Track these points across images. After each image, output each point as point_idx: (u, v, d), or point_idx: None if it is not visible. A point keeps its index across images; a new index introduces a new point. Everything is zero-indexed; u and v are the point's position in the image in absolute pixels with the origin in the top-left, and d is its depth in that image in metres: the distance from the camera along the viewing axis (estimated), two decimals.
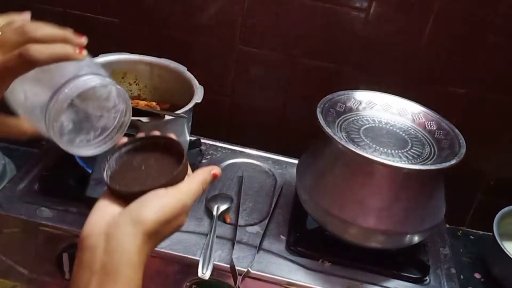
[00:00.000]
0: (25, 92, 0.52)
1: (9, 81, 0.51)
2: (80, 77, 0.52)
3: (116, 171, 0.58)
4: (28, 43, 0.49)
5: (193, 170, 0.58)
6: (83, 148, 0.57)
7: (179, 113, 0.81)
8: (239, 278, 0.78)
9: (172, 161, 0.58)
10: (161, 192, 0.53)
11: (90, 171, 0.83)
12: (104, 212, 0.53)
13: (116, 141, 0.58)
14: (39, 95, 0.53)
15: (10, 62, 0.49)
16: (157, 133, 0.62)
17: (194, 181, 0.56)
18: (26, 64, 0.49)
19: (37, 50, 0.48)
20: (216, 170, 0.58)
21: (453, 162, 0.75)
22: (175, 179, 0.54)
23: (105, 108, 0.57)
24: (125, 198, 0.54)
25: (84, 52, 0.51)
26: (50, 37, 0.50)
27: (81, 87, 0.52)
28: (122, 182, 0.56)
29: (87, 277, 0.49)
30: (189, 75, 0.93)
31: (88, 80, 0.53)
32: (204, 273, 0.76)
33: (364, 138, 0.81)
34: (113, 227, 0.50)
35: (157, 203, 0.52)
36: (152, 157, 0.59)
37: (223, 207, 0.89)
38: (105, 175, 0.56)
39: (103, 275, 0.48)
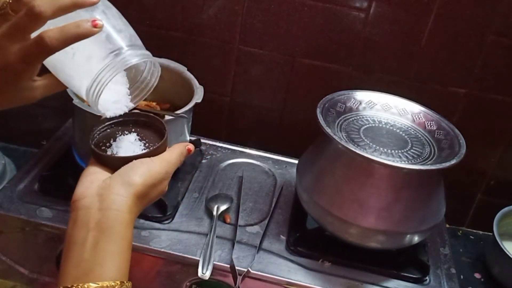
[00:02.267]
0: (73, 48, 0.52)
1: (38, 64, 0.53)
2: (135, 49, 0.56)
3: (101, 142, 0.62)
4: (41, 26, 0.49)
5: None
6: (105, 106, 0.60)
7: (179, 113, 0.81)
8: (239, 278, 0.78)
9: (153, 136, 0.64)
10: (146, 160, 0.58)
11: None
12: (94, 177, 0.57)
13: (137, 103, 0.63)
14: (92, 54, 0.54)
15: (30, 50, 0.50)
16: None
17: (174, 152, 0.62)
18: (45, 52, 0.50)
19: (52, 38, 0.49)
20: (190, 146, 0.65)
21: (453, 162, 0.75)
22: (158, 150, 0.60)
23: (135, 71, 0.61)
24: (111, 164, 0.59)
25: (99, 22, 0.51)
26: (62, 11, 0.50)
27: (136, 59, 0.55)
28: (106, 152, 0.61)
29: (84, 233, 0.52)
30: (189, 75, 0.93)
31: (145, 55, 0.57)
32: (204, 273, 0.76)
33: (364, 138, 0.81)
34: (106, 189, 0.55)
35: (145, 169, 0.57)
36: (134, 132, 0.64)
37: (223, 207, 0.89)
38: (92, 144, 0.60)
39: (99, 231, 0.52)
